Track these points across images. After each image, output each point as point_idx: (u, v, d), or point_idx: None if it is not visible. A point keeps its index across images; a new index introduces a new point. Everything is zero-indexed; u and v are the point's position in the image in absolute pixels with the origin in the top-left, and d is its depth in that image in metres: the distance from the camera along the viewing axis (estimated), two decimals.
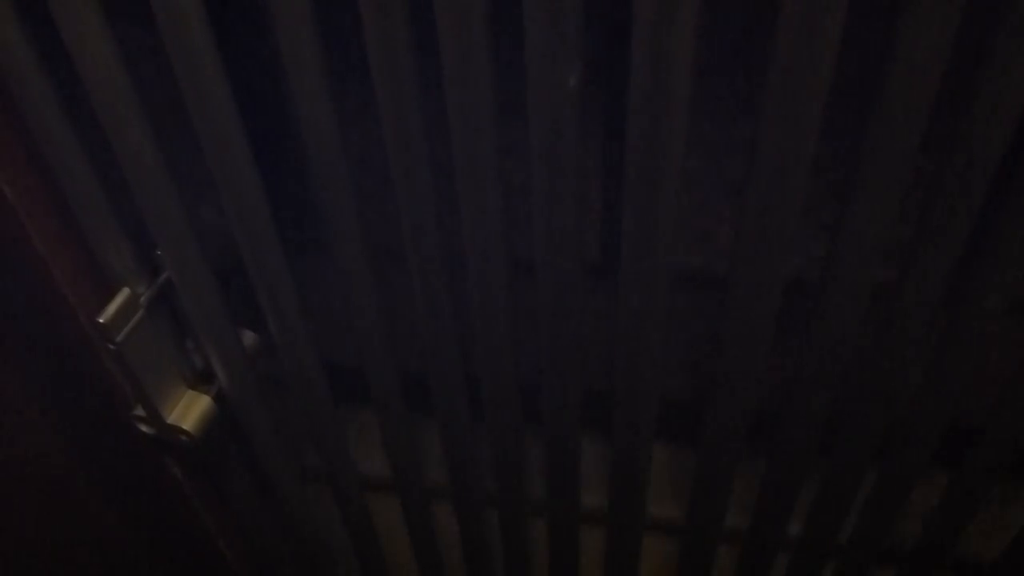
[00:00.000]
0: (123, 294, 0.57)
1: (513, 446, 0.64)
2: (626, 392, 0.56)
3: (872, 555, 0.67)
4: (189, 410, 0.64)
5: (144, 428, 0.65)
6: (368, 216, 0.68)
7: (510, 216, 0.51)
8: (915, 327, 0.49)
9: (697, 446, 0.61)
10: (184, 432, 0.63)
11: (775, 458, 0.60)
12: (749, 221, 0.45)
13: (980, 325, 0.49)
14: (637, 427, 0.59)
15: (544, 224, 0.48)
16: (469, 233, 0.50)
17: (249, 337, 0.65)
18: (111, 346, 0.57)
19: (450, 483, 0.70)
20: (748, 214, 0.45)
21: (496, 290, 0.53)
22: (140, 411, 0.64)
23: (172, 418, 0.63)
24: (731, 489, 0.63)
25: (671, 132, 0.42)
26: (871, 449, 0.58)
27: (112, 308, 0.56)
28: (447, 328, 0.57)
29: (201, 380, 0.65)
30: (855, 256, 0.46)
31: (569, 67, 0.41)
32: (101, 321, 0.55)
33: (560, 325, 0.54)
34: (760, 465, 0.63)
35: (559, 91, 0.42)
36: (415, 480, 0.72)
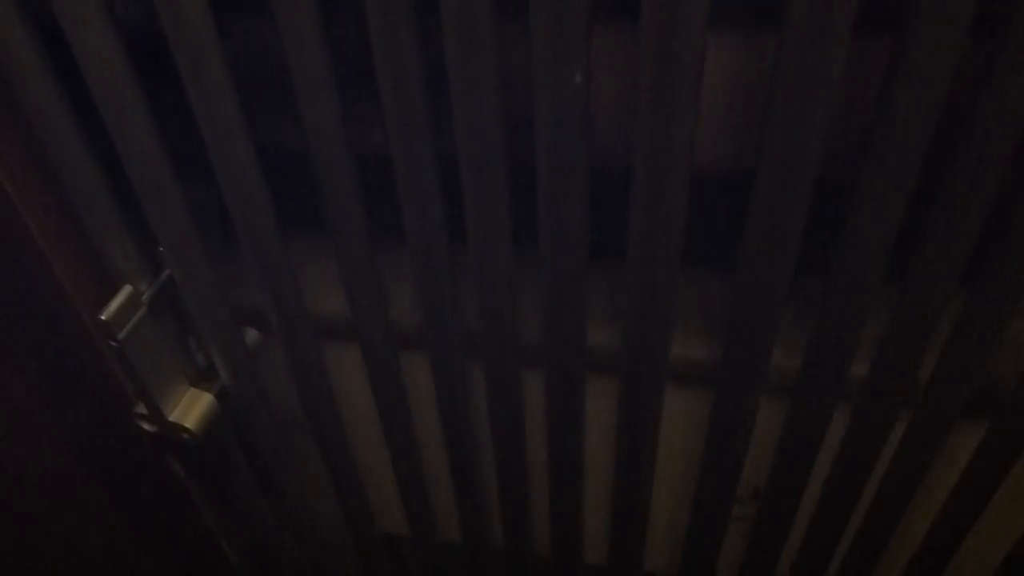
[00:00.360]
0: (125, 291, 0.56)
1: (502, 274, 0.52)
2: (649, 168, 0.44)
3: (958, 403, 0.54)
4: (191, 408, 0.63)
5: (146, 426, 0.65)
6: None
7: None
8: None
9: (735, 266, 0.48)
10: (186, 430, 0.63)
11: (836, 276, 0.48)
12: None
13: None
14: (662, 222, 0.46)
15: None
16: None
17: (251, 335, 0.65)
18: (113, 344, 0.56)
19: (423, 325, 0.58)
20: None
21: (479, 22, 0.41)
22: (142, 409, 0.63)
23: (174, 416, 0.63)
24: (778, 323, 0.50)
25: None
26: (957, 265, 0.46)
27: (114, 305, 0.56)
28: (417, 97, 0.44)
29: (203, 378, 0.65)
30: None
31: (576, 63, 0.41)
32: (103, 318, 0.55)
33: (560, 81, 0.41)
34: (814, 289, 0.51)
35: (566, 89, 0.42)
36: (379, 322, 0.59)
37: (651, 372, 0.56)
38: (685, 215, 0.46)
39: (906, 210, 0.44)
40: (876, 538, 0.67)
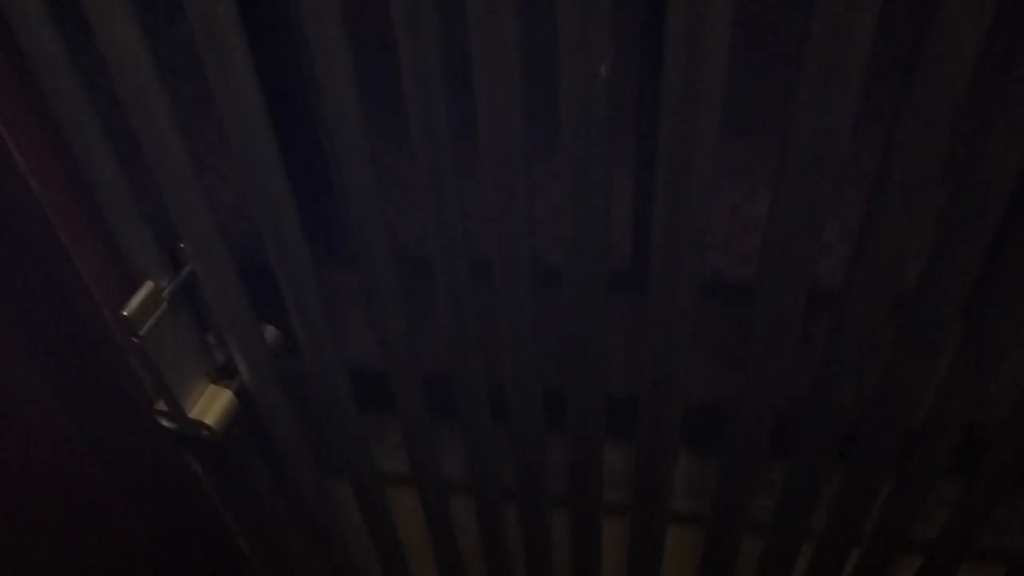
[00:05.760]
0: (146, 287, 0.56)
1: (535, 447, 0.64)
2: (651, 399, 0.57)
3: (896, 546, 0.67)
4: (211, 405, 0.63)
5: (165, 423, 0.65)
6: (394, 225, 0.67)
7: (537, 221, 0.51)
8: (933, 337, 0.50)
9: (721, 450, 0.61)
10: (206, 427, 0.63)
11: (796, 461, 0.61)
12: (778, 224, 0.45)
13: (996, 337, 0.49)
14: (661, 433, 0.59)
15: (572, 228, 0.48)
16: (495, 238, 0.50)
17: (271, 332, 0.65)
18: (134, 340, 0.56)
19: (469, 477, 0.70)
20: (777, 217, 0.45)
21: (521, 296, 0.53)
22: (162, 406, 0.63)
23: (194, 413, 0.63)
24: (754, 489, 0.63)
25: (703, 133, 0.41)
26: (890, 454, 0.58)
27: (135, 301, 0.56)
28: (471, 335, 0.57)
29: (223, 374, 0.65)
30: (879, 262, 0.46)
31: (600, 56, 0.41)
32: (125, 314, 0.55)
33: (585, 333, 0.54)
34: (782, 466, 0.63)
35: (591, 83, 0.41)
36: (434, 474, 0.72)
37: (654, 520, 0.68)
38: (682, 409, 0.58)
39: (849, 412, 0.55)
40: None
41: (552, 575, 0.79)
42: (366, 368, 0.75)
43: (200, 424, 0.63)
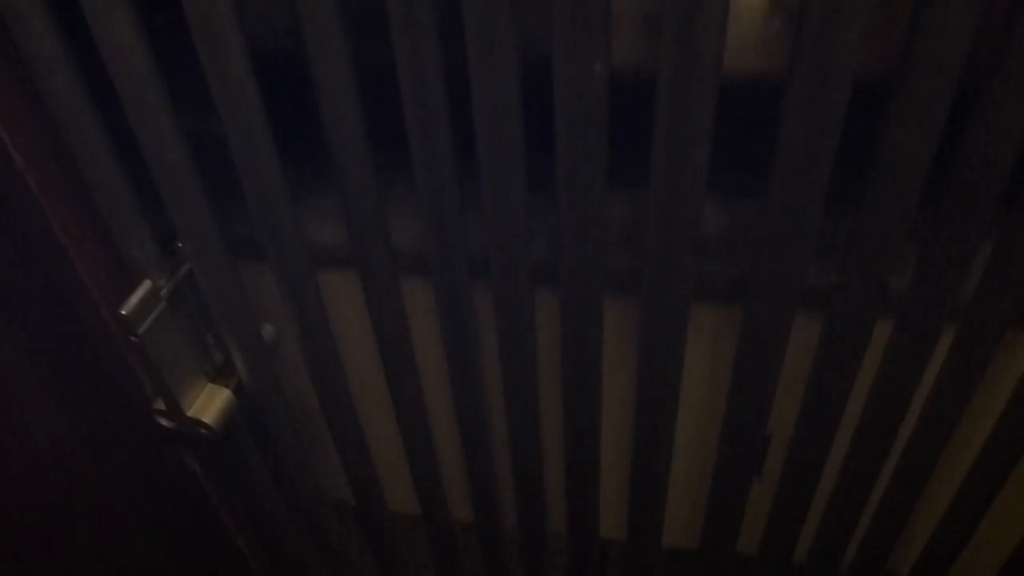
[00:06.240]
0: (145, 286, 0.57)
1: (516, 194, 0.48)
2: (676, 78, 0.41)
3: (1004, 324, 0.50)
4: (209, 403, 0.63)
5: (164, 422, 0.65)
6: None
7: None
8: None
9: (769, 176, 0.44)
10: (205, 425, 0.63)
11: (868, 203, 0.45)
12: None
13: None
14: (687, 126, 0.42)
15: None
16: None
17: (269, 330, 0.65)
18: (133, 338, 0.57)
19: (427, 244, 0.53)
20: None
21: None
22: (160, 405, 0.64)
23: (192, 411, 0.63)
24: (812, 241, 0.47)
25: None
26: (997, 183, 0.43)
27: (134, 300, 0.56)
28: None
29: (221, 373, 0.65)
30: None
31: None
32: (123, 313, 0.55)
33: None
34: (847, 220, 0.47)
35: None
36: (380, 244, 0.54)
37: (675, 290, 0.50)
38: (712, 118, 0.43)
39: (943, 131, 0.41)
40: (905, 498, 0.61)
41: (538, 372, 0.59)
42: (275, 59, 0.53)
43: (199, 423, 0.63)
